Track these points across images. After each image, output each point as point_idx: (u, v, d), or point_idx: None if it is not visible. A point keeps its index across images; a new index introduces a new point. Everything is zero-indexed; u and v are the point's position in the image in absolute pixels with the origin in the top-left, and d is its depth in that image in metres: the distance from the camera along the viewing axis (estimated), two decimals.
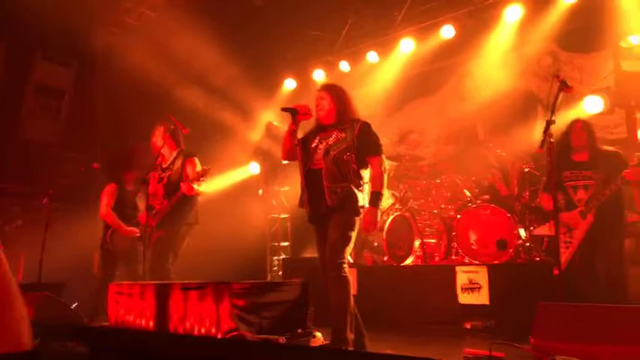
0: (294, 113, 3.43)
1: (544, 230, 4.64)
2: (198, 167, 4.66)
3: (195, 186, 4.52)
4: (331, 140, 3.41)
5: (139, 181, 5.23)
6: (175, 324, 3.34)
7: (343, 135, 3.41)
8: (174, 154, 4.78)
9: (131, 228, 5.19)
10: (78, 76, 7.09)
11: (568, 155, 4.23)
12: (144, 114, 6.00)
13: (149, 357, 2.90)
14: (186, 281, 3.59)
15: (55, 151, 6.78)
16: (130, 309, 3.70)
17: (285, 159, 3.69)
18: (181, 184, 4.52)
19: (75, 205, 5.94)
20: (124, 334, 3.34)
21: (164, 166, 4.79)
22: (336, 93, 3.53)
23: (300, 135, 3.57)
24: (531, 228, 5.18)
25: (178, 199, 4.58)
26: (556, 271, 3.77)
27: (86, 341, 3.29)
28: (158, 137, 4.78)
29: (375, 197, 3.37)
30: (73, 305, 5.44)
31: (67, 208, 6.01)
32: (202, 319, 3.18)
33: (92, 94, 7.19)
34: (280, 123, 7.52)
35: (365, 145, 3.40)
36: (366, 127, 3.45)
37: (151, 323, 3.50)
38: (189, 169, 4.65)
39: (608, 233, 4.06)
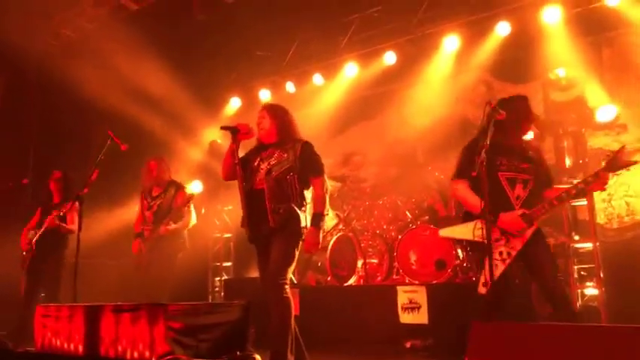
0: (235, 132, 3.39)
1: (455, 232, 3.50)
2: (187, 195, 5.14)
3: (169, 227, 5.04)
4: (273, 160, 3.40)
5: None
6: (106, 348, 3.18)
7: (285, 155, 3.40)
8: (166, 184, 5.27)
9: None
10: (8, 87, 6.74)
11: (502, 139, 3.31)
12: (81, 129, 5.78)
13: None
14: (119, 303, 3.44)
15: None
16: (58, 332, 3.49)
17: (225, 179, 3.62)
18: (162, 227, 5.00)
19: (1, 222, 5.59)
20: (50, 359, 3.15)
21: (154, 194, 5.22)
22: (275, 113, 3.53)
23: (241, 154, 3.54)
24: (468, 249, 5.35)
25: (168, 232, 5.02)
26: (483, 290, 3.14)
27: None
28: (160, 168, 5.26)
29: (317, 218, 3.37)
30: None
31: None
32: (136, 342, 3.05)
33: (24, 106, 6.85)
34: (224, 141, 7.45)
35: (307, 165, 3.41)
36: (308, 147, 3.46)
37: (80, 347, 3.32)
38: (179, 200, 5.12)
39: (540, 244, 3.30)
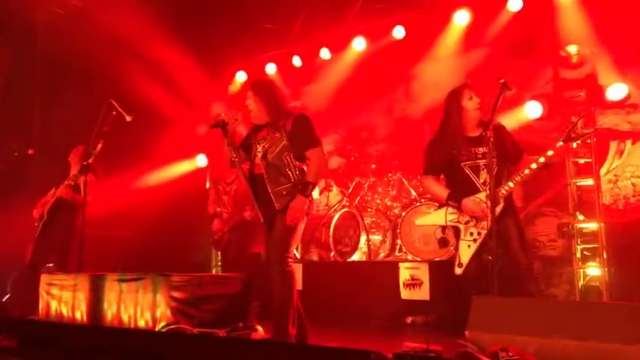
0: (224, 125, 3.30)
1: (430, 219, 3.85)
2: None
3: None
4: (267, 143, 3.32)
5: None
6: (111, 317, 3.23)
7: (277, 135, 3.30)
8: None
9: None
10: (15, 57, 6.71)
11: (459, 131, 3.59)
12: (85, 99, 5.76)
13: (82, 350, 2.79)
14: (123, 273, 3.48)
15: None
16: (63, 301, 3.54)
17: (230, 168, 3.60)
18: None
19: (7, 192, 5.62)
20: (54, 327, 3.20)
21: (228, 180, 5.27)
22: (261, 90, 3.39)
23: (243, 132, 3.53)
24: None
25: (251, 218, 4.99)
26: (458, 271, 3.43)
27: (15, 334, 3.13)
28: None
29: (306, 186, 3.22)
30: (4, 298, 5.18)
31: None
32: (139, 311, 3.09)
33: (30, 76, 6.82)
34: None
35: (299, 140, 3.28)
36: (297, 121, 3.32)
37: (85, 316, 3.37)
38: None
39: (505, 217, 3.43)
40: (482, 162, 3.47)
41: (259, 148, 3.36)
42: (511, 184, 3.40)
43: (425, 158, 3.74)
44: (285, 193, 3.25)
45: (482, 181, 3.47)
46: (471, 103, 3.59)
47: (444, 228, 3.68)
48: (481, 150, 3.47)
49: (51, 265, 5.16)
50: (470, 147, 3.53)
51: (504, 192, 3.39)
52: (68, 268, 4.88)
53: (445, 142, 3.60)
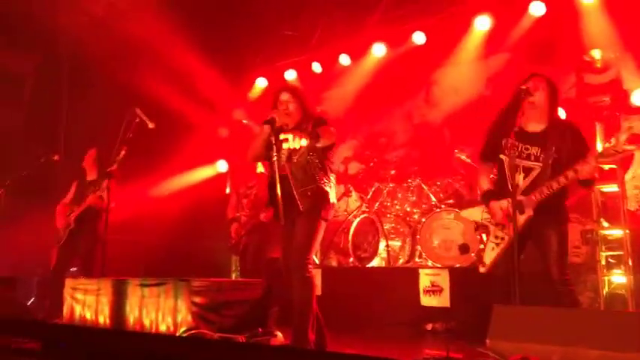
0: (274, 124, 3.32)
1: (470, 214, 3.62)
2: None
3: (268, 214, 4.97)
4: (292, 144, 3.34)
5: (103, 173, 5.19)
6: (133, 321, 3.27)
7: (302, 136, 3.29)
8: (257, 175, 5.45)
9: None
10: (42, 63, 6.87)
11: (513, 121, 3.26)
12: (110, 105, 5.87)
13: (105, 354, 2.84)
14: (145, 278, 3.53)
15: (14, 141, 6.56)
16: (86, 305, 3.61)
17: (251, 161, 3.63)
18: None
19: (33, 198, 5.74)
20: (78, 331, 3.26)
21: (249, 184, 5.42)
22: (301, 96, 3.48)
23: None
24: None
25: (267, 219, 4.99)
26: (482, 270, 3.34)
27: (39, 338, 3.20)
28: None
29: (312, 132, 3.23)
30: (30, 301, 5.28)
31: (25, 200, 5.81)
32: (161, 316, 3.13)
33: (56, 82, 6.98)
34: (249, 121, 7.47)
35: (315, 130, 3.29)
36: (319, 122, 3.37)
37: (108, 320, 3.42)
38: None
39: (548, 227, 3.19)
40: (525, 163, 3.20)
41: (283, 149, 3.39)
42: (538, 195, 3.15)
43: (483, 143, 3.52)
44: (309, 193, 3.28)
45: (515, 184, 3.14)
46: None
47: (477, 226, 3.50)
48: (532, 149, 3.21)
49: (75, 269, 5.24)
50: (521, 142, 3.23)
51: (531, 201, 3.14)
52: (92, 273, 4.96)
53: (497, 128, 3.35)
